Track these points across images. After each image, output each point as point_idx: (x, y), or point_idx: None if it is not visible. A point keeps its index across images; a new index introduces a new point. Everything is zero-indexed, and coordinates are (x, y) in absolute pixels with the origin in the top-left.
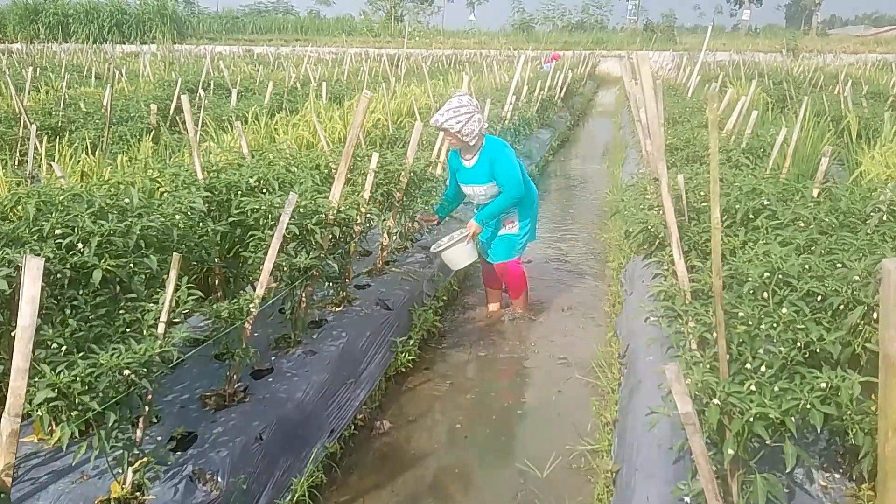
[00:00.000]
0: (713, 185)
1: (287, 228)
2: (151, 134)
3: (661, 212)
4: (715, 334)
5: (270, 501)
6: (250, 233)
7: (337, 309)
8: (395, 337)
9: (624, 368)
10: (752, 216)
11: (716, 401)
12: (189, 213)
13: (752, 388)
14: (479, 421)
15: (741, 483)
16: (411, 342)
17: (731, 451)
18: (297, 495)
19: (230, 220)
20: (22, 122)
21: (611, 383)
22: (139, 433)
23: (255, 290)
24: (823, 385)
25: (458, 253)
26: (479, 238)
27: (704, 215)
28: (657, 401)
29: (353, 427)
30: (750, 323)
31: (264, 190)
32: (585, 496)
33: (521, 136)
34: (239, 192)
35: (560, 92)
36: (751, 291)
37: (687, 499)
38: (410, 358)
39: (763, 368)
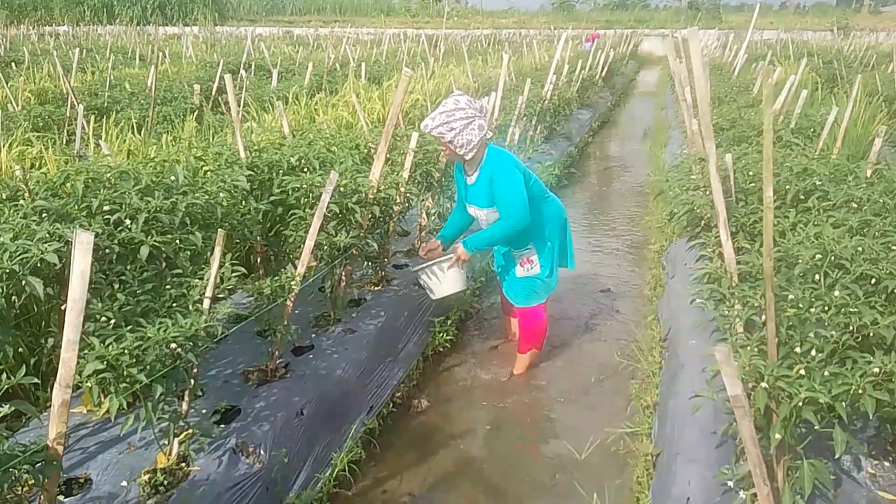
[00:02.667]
0: (766, 163)
1: (327, 207)
2: (195, 114)
3: (707, 192)
4: (763, 317)
5: (311, 475)
6: (291, 211)
7: (375, 288)
8: (432, 317)
9: (665, 352)
10: (802, 197)
11: (764, 384)
12: (232, 191)
13: (802, 372)
14: (516, 402)
15: (787, 469)
16: (449, 322)
17: (778, 436)
18: (336, 470)
19: (272, 198)
20: (69, 102)
21: (651, 366)
22: (185, 406)
23: (295, 268)
24: (876, 370)
25: (440, 277)
26: (495, 266)
27: (752, 196)
28: (700, 385)
29: (391, 405)
30: (800, 306)
31: (305, 169)
32: (625, 479)
33: (560, 116)
34: (280, 172)
35: (601, 72)
36: (801, 274)
37: (730, 483)
38: (448, 338)
39: (813, 353)
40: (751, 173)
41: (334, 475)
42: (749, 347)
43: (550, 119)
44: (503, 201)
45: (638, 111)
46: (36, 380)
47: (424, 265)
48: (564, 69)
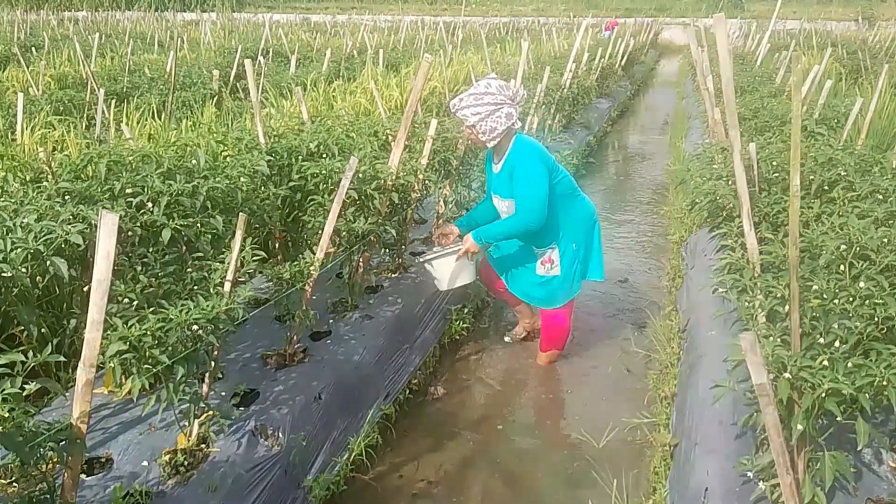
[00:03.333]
0: (794, 151)
1: (346, 193)
2: (214, 100)
3: (730, 182)
4: (787, 307)
5: (328, 459)
6: (310, 197)
7: (393, 275)
8: (449, 305)
9: (684, 343)
10: (826, 188)
11: (787, 375)
12: (253, 176)
13: (825, 363)
14: (532, 390)
15: (807, 460)
16: (465, 311)
17: (800, 427)
18: (353, 454)
19: (290, 184)
20: (89, 87)
21: (669, 357)
22: (205, 388)
23: (314, 254)
24: None
25: (448, 268)
26: (495, 256)
27: (776, 186)
28: (720, 376)
29: (407, 391)
30: (825, 297)
31: (324, 155)
32: (642, 469)
33: (579, 105)
34: (299, 157)
35: (620, 60)
36: (826, 265)
37: (750, 474)
38: (465, 326)
39: (837, 343)
40: (774, 163)
41: (351, 459)
42: (772, 338)
43: (569, 108)
44: (520, 195)
45: (658, 101)
46: (61, 357)
47: (432, 255)
48: (584, 57)
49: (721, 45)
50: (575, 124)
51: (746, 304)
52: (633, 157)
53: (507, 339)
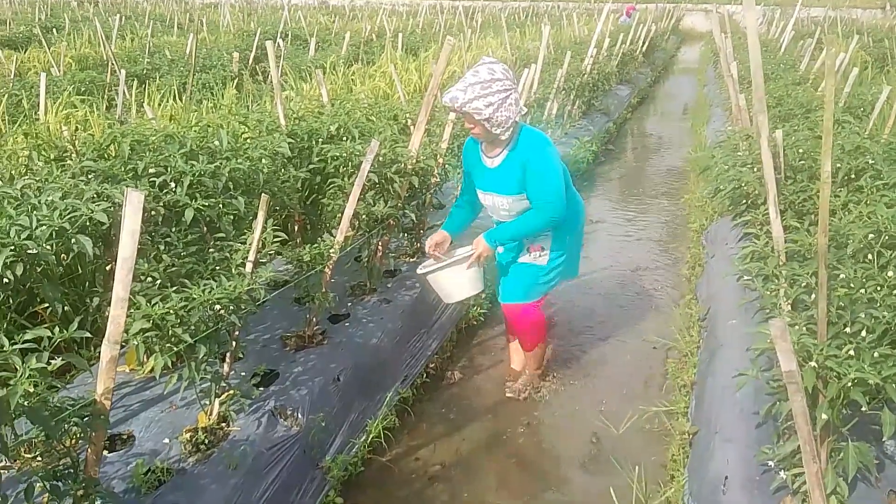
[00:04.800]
0: (826, 136)
1: (366, 176)
2: (235, 82)
3: (755, 169)
4: (813, 296)
5: (346, 440)
6: (330, 180)
7: (411, 259)
8: None
9: (704, 331)
10: (853, 176)
11: (812, 363)
12: (273, 157)
13: (851, 352)
14: (551, 376)
15: (830, 450)
16: (483, 296)
17: (824, 416)
18: (371, 436)
19: (311, 166)
20: (109, 68)
21: (689, 346)
22: (226, 367)
23: (332, 237)
24: None
25: (454, 279)
26: (497, 262)
27: (802, 174)
28: (741, 365)
29: (425, 375)
30: (852, 286)
31: (344, 138)
32: (659, 456)
33: (599, 91)
34: (319, 140)
35: (642, 46)
36: (853, 254)
37: (771, 463)
38: (482, 311)
39: (863, 333)
40: (801, 150)
41: (369, 441)
42: (797, 326)
43: (589, 94)
44: (540, 190)
45: (678, 88)
46: (87, 333)
47: (438, 266)
48: (605, 43)
49: (751, 29)
50: (594, 111)
51: (770, 292)
52: (653, 145)
53: (508, 394)
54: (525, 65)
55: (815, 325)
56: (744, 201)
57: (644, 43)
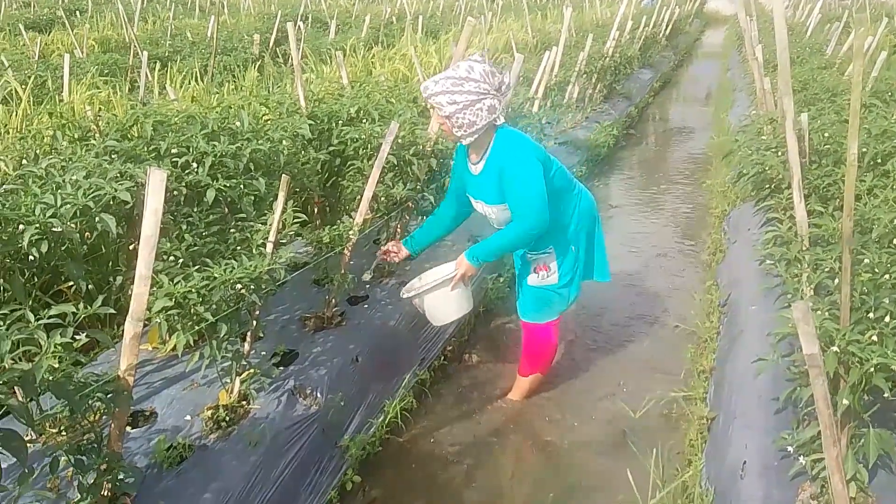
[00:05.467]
0: (853, 118)
1: (386, 158)
2: (256, 65)
3: (780, 153)
4: (836, 281)
5: (364, 420)
6: (349, 162)
7: None
8: (485, 274)
9: (724, 317)
10: (880, 161)
11: (834, 348)
12: (294, 139)
13: (874, 338)
14: (567, 360)
15: (850, 436)
16: (501, 280)
17: (845, 402)
18: (389, 417)
19: (330, 149)
20: (132, 50)
21: (708, 332)
22: (246, 347)
23: (351, 219)
24: None
25: (440, 302)
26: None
27: (827, 158)
28: (761, 350)
29: (442, 358)
30: (876, 271)
31: (364, 120)
32: (677, 441)
33: (621, 75)
34: (339, 122)
35: (665, 30)
36: (877, 239)
37: (790, 449)
38: (500, 296)
39: (887, 319)
40: (826, 134)
41: (387, 422)
42: (820, 311)
43: (611, 77)
44: (516, 198)
45: (701, 72)
46: (111, 309)
47: (422, 289)
48: (627, 26)
49: (777, 9)
50: (616, 94)
51: (793, 277)
52: (675, 130)
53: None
54: (546, 47)
55: (838, 310)
56: (767, 186)
57: (667, 26)
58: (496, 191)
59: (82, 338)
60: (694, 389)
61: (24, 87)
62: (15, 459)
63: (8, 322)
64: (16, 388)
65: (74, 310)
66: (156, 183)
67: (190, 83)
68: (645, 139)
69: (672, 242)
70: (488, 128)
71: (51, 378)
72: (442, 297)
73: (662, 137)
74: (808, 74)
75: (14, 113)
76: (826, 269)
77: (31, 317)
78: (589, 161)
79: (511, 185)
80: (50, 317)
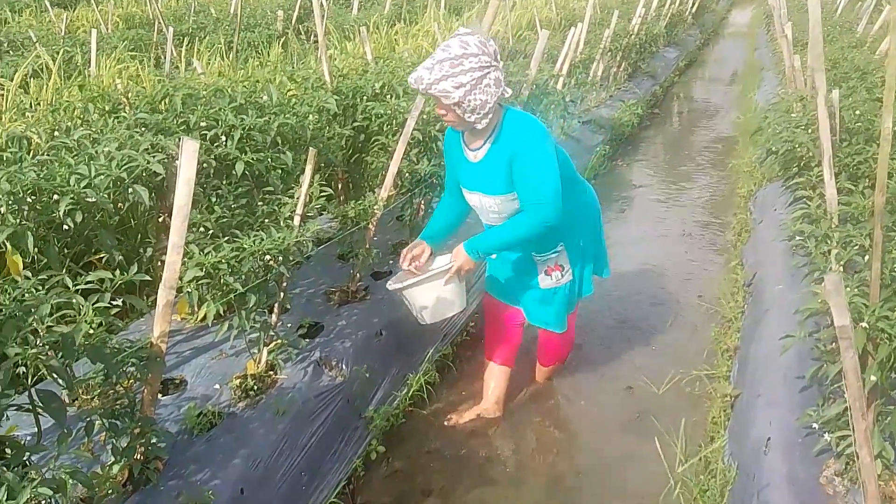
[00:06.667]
0: (888, 91)
1: (410, 134)
2: (280, 41)
3: (810, 130)
4: (866, 258)
5: (388, 393)
6: (374, 138)
7: None
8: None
9: (749, 297)
10: None
11: (863, 324)
12: (320, 113)
13: None
14: (590, 336)
15: (877, 414)
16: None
17: (873, 378)
18: (412, 390)
19: (355, 124)
20: (156, 26)
21: (733, 311)
22: (274, 318)
23: (375, 195)
24: None
25: (431, 297)
26: (492, 275)
27: (858, 136)
28: (787, 328)
29: (465, 334)
30: None
31: (388, 95)
32: (699, 418)
33: (646, 53)
34: (364, 97)
35: (691, 8)
36: None
37: (815, 426)
38: None
39: None
40: (857, 112)
41: (410, 394)
42: (849, 287)
43: (636, 56)
44: (532, 186)
45: (728, 51)
46: (146, 276)
47: (412, 281)
48: (653, 3)
49: None
50: (641, 73)
51: (822, 254)
52: (700, 110)
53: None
54: (571, 24)
55: (868, 286)
56: (795, 165)
57: (693, 4)
58: (503, 179)
59: (118, 303)
60: (717, 368)
61: (52, 61)
62: (52, 423)
63: (46, 287)
64: (54, 351)
65: (111, 276)
66: (188, 152)
67: (215, 59)
68: (670, 119)
69: (697, 222)
70: (496, 108)
71: (86, 343)
72: (432, 291)
73: (687, 117)
74: (838, 53)
75: (45, 87)
76: (856, 246)
77: (69, 282)
78: (613, 140)
79: (527, 170)
80: (87, 282)
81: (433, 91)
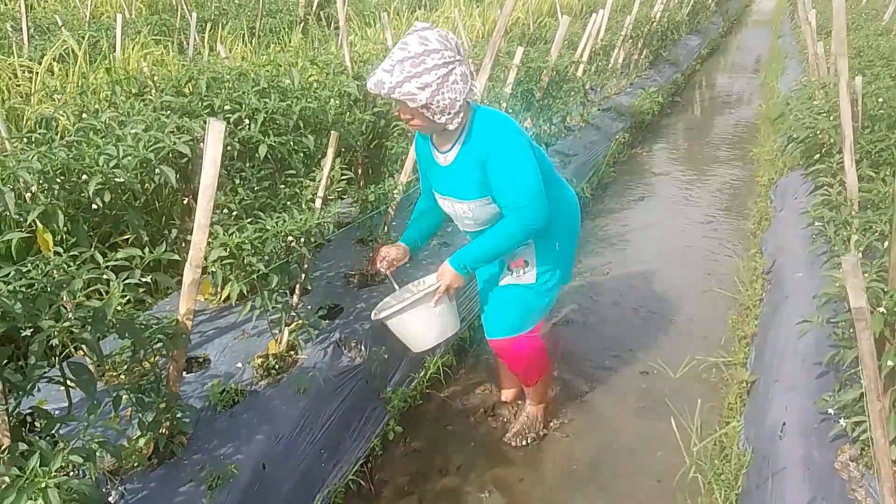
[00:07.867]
0: None
1: None
2: (301, 27)
3: (832, 117)
4: (886, 243)
5: (406, 375)
6: (394, 123)
7: None
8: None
9: (768, 284)
10: None
11: (881, 309)
12: (341, 98)
13: None
14: (605, 322)
15: (893, 400)
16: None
17: (890, 363)
18: (430, 372)
19: (375, 109)
20: (179, 12)
21: (751, 299)
22: (295, 299)
23: (395, 180)
24: None
25: (420, 322)
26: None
27: (881, 123)
28: (805, 315)
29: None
30: None
31: None
32: (715, 403)
33: (668, 40)
34: None
35: None
36: None
37: (831, 411)
38: None
39: None
40: (881, 99)
41: (427, 376)
42: (868, 273)
43: (657, 43)
44: (511, 188)
45: (751, 40)
46: (175, 255)
47: (397, 308)
48: None
49: None
50: (662, 61)
51: (842, 240)
52: (722, 98)
53: (508, 439)
54: (592, 10)
55: (886, 272)
56: (817, 152)
57: None
58: (475, 183)
59: (148, 279)
60: (734, 354)
61: (78, 46)
62: (82, 396)
63: (78, 263)
64: (85, 325)
65: (141, 253)
66: (215, 133)
67: (237, 45)
68: (691, 107)
69: (717, 210)
70: (465, 107)
71: (115, 320)
72: (422, 316)
73: (709, 105)
74: (863, 41)
75: (71, 70)
76: (876, 232)
77: (101, 258)
78: (633, 128)
79: (503, 173)
80: (117, 259)
81: (397, 95)
